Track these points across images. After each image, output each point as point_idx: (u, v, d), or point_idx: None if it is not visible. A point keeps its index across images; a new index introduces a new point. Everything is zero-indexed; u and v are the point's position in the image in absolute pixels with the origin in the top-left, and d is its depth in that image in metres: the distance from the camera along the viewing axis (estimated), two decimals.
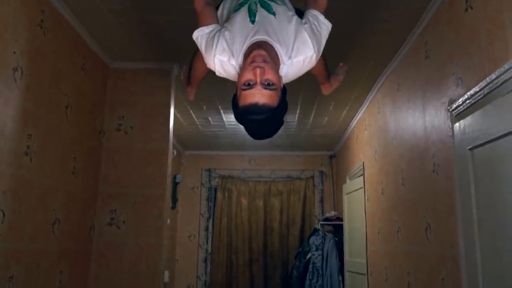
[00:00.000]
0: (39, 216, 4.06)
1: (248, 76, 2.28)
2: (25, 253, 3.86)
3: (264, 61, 2.28)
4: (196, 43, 2.59)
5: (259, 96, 2.28)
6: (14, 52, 3.58)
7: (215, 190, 10.72)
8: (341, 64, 3.45)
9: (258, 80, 2.26)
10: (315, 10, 2.64)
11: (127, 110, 5.61)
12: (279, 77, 2.37)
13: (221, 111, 7.51)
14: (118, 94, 5.65)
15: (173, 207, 9.70)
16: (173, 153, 8.65)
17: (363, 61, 5.59)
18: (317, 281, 8.44)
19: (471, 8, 3.51)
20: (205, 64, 2.70)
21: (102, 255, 5.28)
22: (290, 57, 2.47)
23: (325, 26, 2.61)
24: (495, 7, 3.16)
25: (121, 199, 5.39)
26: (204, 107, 7.36)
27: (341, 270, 8.36)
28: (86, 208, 5.09)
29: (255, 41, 2.44)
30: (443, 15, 4.07)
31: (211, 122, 8.23)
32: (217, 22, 2.65)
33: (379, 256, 6.27)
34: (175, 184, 9.73)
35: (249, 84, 2.28)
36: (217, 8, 2.79)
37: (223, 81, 6.09)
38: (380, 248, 6.25)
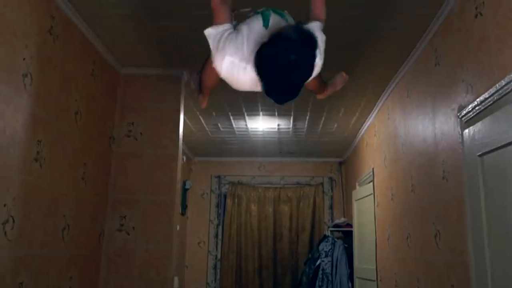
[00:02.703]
0: (48, 222, 4.07)
1: None
2: (35, 259, 3.87)
3: None
4: (208, 39, 2.57)
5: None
6: (24, 58, 3.60)
7: (225, 196, 10.74)
8: (343, 73, 3.45)
9: None
10: (316, 22, 2.67)
11: (137, 116, 5.63)
12: None
13: (231, 117, 7.52)
14: (128, 100, 5.67)
15: (183, 214, 9.71)
16: (183, 159, 8.66)
17: (372, 68, 5.59)
18: (326, 287, 8.42)
19: (481, 14, 3.50)
20: (216, 71, 2.69)
21: (112, 261, 5.29)
22: None
23: (323, 40, 2.62)
24: (505, 14, 3.15)
25: (130, 205, 5.41)
26: (214, 113, 7.37)
27: (350, 277, 8.34)
28: (96, 214, 5.10)
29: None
30: (453, 22, 4.06)
31: (221, 129, 8.24)
32: (231, 23, 2.63)
33: (389, 262, 6.25)
34: (184, 190, 9.74)
35: None
36: None
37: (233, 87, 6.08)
38: (389, 255, 6.23)
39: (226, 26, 2.56)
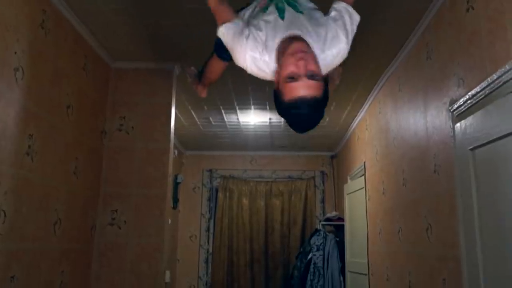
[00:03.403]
0: (40, 216, 4.06)
1: (291, 68, 2.22)
2: (26, 253, 3.86)
3: (305, 53, 2.24)
4: (223, 39, 2.51)
5: (305, 89, 2.22)
6: (16, 52, 3.58)
7: (216, 190, 10.74)
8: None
9: (303, 72, 2.20)
10: (343, 2, 2.63)
11: (128, 110, 5.62)
12: (320, 68, 2.32)
13: (222, 111, 7.51)
14: (120, 94, 5.65)
15: (174, 208, 9.71)
16: (174, 153, 8.65)
17: (364, 62, 5.59)
18: (318, 281, 8.44)
19: (472, 8, 3.51)
20: (222, 66, 2.65)
21: (104, 255, 5.28)
22: (323, 51, 2.42)
23: (356, 20, 2.61)
24: (496, 8, 3.16)
25: (122, 199, 5.40)
26: (205, 107, 7.36)
27: (342, 271, 8.37)
28: (87, 208, 5.09)
29: (288, 36, 2.39)
30: (444, 16, 4.07)
31: (212, 123, 8.23)
32: (238, 18, 2.56)
33: (380, 256, 6.27)
34: (176, 184, 9.73)
35: (292, 78, 2.23)
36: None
37: (224, 81, 6.11)
38: (381, 248, 6.24)
39: (237, 22, 2.50)
